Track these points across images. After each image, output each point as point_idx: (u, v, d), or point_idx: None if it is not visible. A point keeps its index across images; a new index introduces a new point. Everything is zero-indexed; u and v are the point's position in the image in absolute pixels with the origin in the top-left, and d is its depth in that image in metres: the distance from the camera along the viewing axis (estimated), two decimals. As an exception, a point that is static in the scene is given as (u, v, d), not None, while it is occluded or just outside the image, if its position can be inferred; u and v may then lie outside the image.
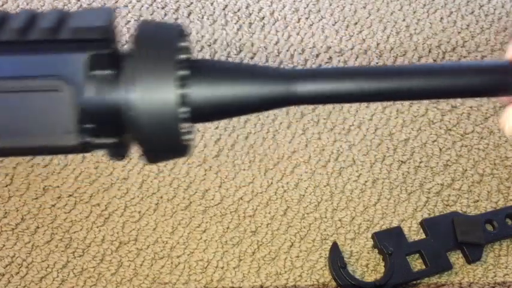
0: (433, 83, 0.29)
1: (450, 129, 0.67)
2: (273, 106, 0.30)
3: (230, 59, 0.71)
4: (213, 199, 0.60)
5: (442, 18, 0.77)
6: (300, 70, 0.29)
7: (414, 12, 0.77)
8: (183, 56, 0.27)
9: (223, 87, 0.28)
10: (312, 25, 0.75)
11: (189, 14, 0.76)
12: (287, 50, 0.73)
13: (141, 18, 0.68)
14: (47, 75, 0.27)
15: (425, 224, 0.59)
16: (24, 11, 0.29)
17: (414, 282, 0.56)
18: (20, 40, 0.28)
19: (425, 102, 0.68)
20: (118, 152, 0.29)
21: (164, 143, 0.27)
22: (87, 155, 0.62)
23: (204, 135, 0.64)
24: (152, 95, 0.26)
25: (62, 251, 0.57)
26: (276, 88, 0.29)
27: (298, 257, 0.57)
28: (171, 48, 0.27)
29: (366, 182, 0.62)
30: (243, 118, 0.65)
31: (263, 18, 0.76)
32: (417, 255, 0.57)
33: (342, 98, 0.29)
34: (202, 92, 0.28)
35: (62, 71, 0.27)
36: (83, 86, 0.27)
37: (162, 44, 0.27)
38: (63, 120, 0.27)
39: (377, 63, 0.72)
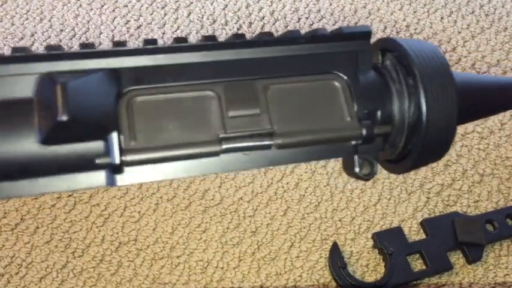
0: None
1: (450, 129, 0.66)
2: (506, 110, 0.35)
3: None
4: (213, 199, 0.60)
5: (442, 18, 0.77)
6: None
7: (414, 12, 0.77)
8: None
9: (471, 96, 0.31)
10: (312, 25, 0.75)
11: (189, 13, 0.76)
12: (287, 50, 0.72)
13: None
14: (323, 71, 0.29)
15: (425, 224, 0.59)
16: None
17: (414, 282, 0.56)
18: (292, 40, 0.29)
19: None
20: (368, 174, 0.31)
21: (439, 146, 0.30)
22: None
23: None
24: (440, 101, 0.29)
25: (62, 251, 0.56)
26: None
27: (298, 257, 0.57)
28: (445, 60, 0.30)
29: (366, 182, 0.62)
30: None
31: (263, 18, 0.76)
32: (417, 255, 0.57)
33: None
34: (463, 97, 0.30)
35: (334, 66, 0.29)
36: (353, 80, 0.29)
37: (435, 56, 0.30)
38: (343, 111, 0.29)
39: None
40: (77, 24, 0.74)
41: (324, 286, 0.56)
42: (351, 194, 0.61)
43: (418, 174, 0.63)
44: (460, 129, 0.66)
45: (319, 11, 0.77)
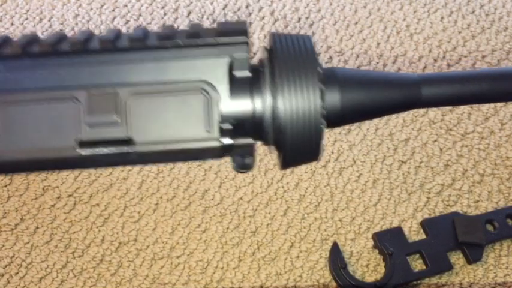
0: None
1: (451, 129, 0.66)
2: (400, 110, 0.32)
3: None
4: (212, 199, 0.60)
5: (442, 17, 0.77)
6: (422, 76, 0.31)
7: (415, 11, 0.77)
8: (319, 67, 0.29)
9: (355, 93, 0.30)
10: (312, 25, 0.75)
11: (189, 13, 0.76)
12: (287, 50, 0.72)
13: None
14: (191, 80, 0.28)
15: (425, 224, 0.59)
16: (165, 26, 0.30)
17: (415, 282, 0.56)
18: (163, 46, 0.28)
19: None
20: (246, 165, 0.30)
21: (305, 147, 0.29)
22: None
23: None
24: (298, 102, 0.28)
25: (62, 252, 0.56)
26: (404, 93, 0.31)
27: (298, 257, 0.57)
28: (313, 58, 0.28)
29: (366, 182, 0.62)
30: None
31: (263, 18, 0.76)
32: (418, 255, 0.57)
33: (461, 100, 0.31)
34: (337, 98, 0.30)
35: (204, 74, 0.28)
36: (224, 89, 0.28)
37: (304, 54, 0.29)
38: (204, 122, 0.28)
39: (377, 63, 0.72)
40: (77, 24, 0.74)
41: (324, 286, 0.56)
42: (351, 194, 0.61)
43: (419, 174, 0.63)
44: (460, 129, 0.66)
45: (319, 10, 0.76)
